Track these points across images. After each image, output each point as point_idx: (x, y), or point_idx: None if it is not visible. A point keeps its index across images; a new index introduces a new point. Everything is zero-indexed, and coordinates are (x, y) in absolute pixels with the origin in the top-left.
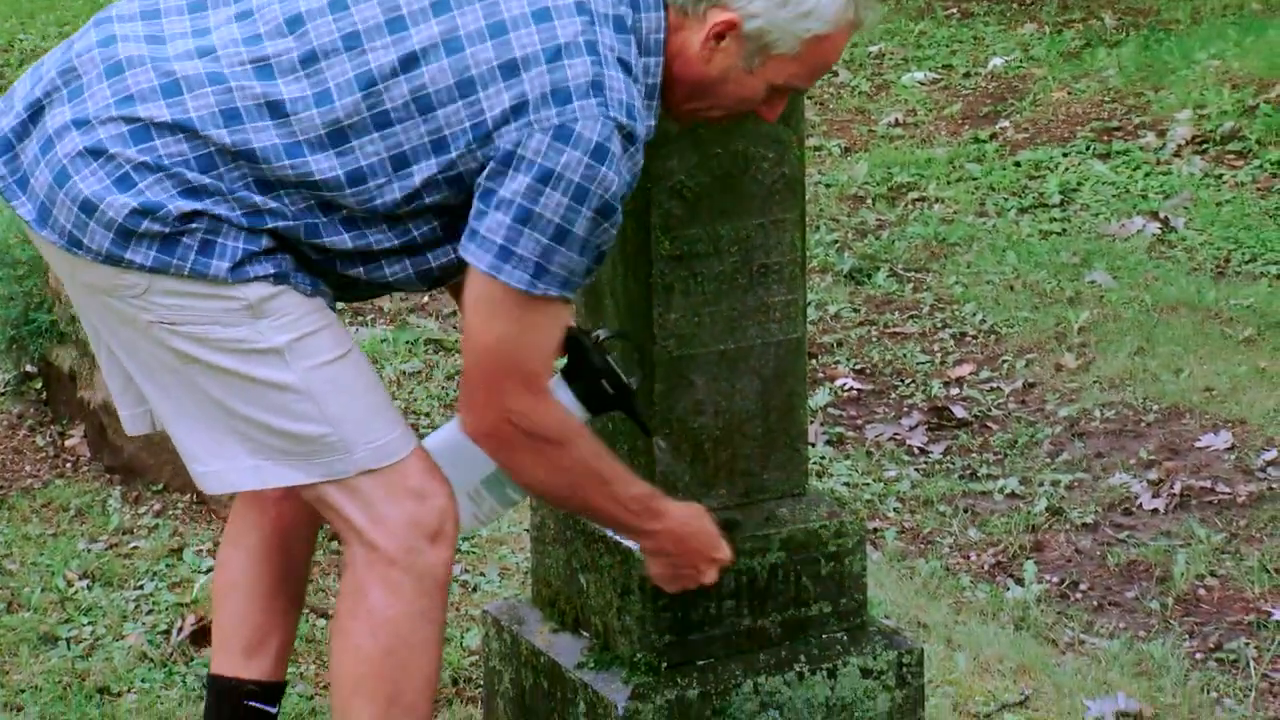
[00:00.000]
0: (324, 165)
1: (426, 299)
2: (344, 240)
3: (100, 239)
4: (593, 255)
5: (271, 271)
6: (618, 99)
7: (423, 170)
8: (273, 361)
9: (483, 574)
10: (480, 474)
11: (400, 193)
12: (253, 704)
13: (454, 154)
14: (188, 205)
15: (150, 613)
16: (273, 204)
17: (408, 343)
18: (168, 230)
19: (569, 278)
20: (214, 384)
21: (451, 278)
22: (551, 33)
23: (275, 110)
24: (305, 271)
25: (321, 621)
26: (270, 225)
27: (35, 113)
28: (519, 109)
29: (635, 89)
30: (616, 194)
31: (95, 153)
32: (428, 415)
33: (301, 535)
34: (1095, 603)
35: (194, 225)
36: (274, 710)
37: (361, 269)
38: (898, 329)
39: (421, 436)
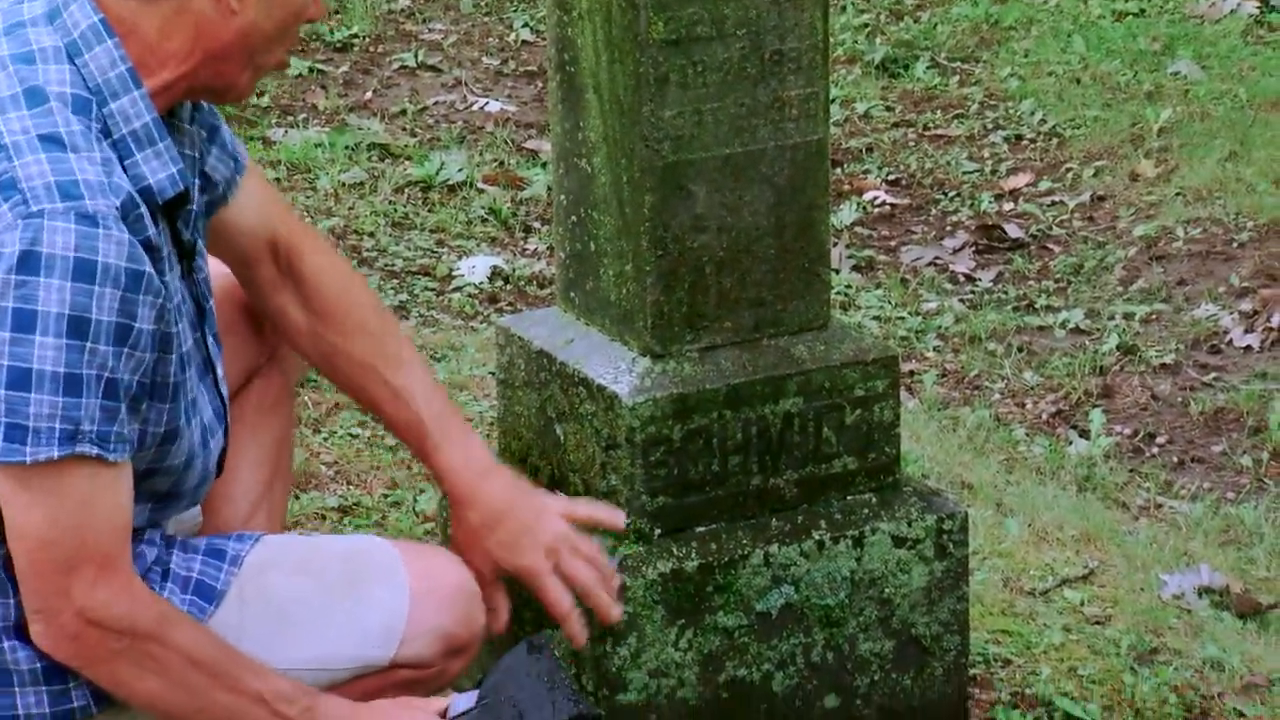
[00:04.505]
0: None
1: (370, 95)
2: None
3: None
4: (101, 388)
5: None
6: (41, 185)
7: None
8: None
9: None
10: None
11: None
12: None
13: None
14: None
15: None
16: None
17: (347, 148)
18: None
19: (71, 428)
20: None
21: None
22: None
23: None
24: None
25: None
26: None
27: None
28: None
29: (89, 155)
30: (86, 302)
31: None
32: (371, 235)
33: None
34: (1175, 458)
35: None
36: None
37: None
38: (940, 131)
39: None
